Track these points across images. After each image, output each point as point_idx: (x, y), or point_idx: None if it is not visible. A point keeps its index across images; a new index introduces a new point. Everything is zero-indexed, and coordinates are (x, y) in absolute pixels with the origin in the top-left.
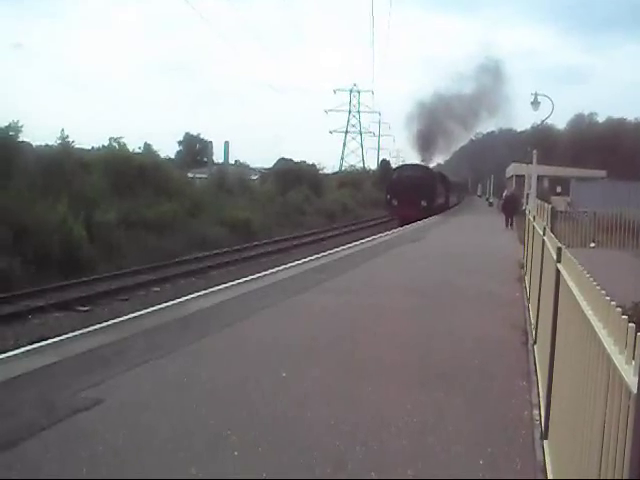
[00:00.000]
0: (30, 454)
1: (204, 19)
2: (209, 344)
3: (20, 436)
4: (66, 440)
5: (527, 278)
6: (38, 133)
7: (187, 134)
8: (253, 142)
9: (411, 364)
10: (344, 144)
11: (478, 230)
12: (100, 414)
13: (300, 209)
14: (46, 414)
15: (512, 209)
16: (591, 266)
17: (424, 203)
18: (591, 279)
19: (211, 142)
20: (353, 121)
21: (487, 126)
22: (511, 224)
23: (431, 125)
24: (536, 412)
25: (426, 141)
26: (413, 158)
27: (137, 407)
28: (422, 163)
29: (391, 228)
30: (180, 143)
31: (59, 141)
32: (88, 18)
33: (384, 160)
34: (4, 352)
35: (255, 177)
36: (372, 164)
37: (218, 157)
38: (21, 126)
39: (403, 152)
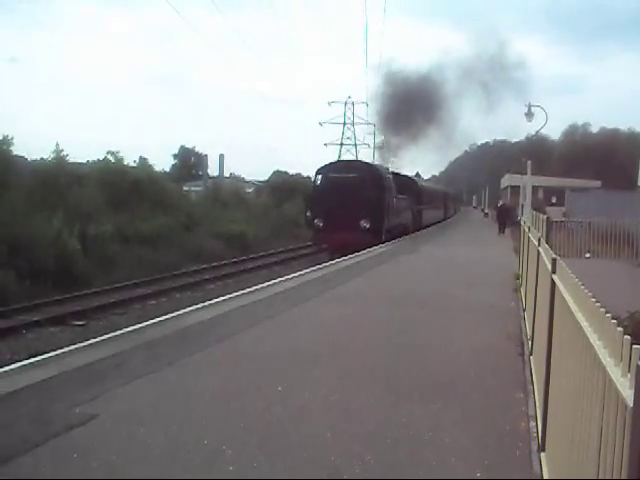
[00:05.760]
0: (24, 470)
1: (195, 30)
2: (208, 356)
3: (15, 452)
4: (60, 456)
5: (523, 289)
6: (34, 147)
7: (182, 147)
8: (248, 154)
9: (408, 375)
10: (339, 156)
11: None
12: (95, 429)
13: (295, 221)
14: (41, 430)
15: (505, 218)
16: (586, 276)
17: (365, 224)
18: (586, 290)
19: (206, 155)
20: (348, 133)
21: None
22: (503, 231)
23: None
24: (533, 424)
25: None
26: (409, 171)
27: (133, 422)
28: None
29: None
30: (175, 156)
31: (53, 155)
32: (80, 30)
33: None
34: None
35: (250, 190)
36: None
37: (213, 170)
38: (12, 139)
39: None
